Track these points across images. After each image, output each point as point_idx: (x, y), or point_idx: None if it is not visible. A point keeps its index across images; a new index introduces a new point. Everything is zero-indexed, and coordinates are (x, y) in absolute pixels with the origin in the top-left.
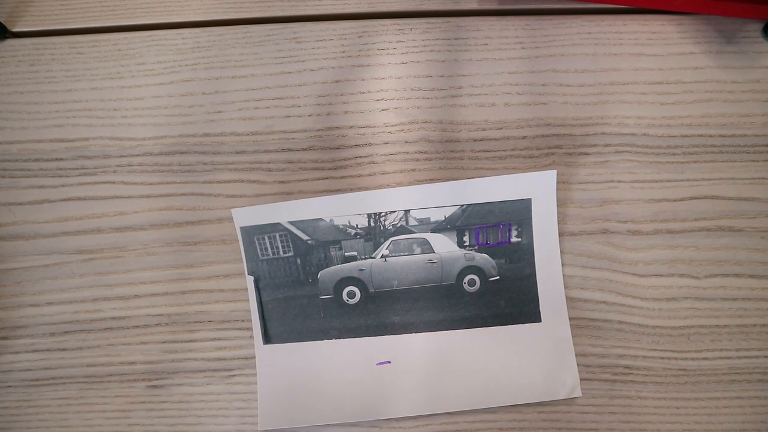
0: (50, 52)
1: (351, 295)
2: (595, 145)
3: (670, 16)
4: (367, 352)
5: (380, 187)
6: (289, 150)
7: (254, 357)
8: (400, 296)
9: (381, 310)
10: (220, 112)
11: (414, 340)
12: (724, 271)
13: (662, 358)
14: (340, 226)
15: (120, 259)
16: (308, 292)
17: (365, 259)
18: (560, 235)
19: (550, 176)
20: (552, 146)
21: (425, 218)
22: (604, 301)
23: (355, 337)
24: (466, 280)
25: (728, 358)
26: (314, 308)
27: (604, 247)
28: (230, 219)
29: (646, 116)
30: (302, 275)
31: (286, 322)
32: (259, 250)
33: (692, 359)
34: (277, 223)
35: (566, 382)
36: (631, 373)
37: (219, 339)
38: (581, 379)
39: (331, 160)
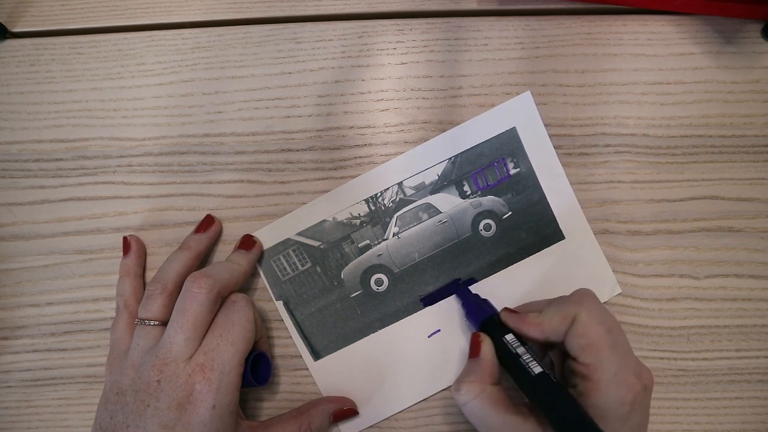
0: (50, 52)
1: (379, 282)
2: (595, 146)
3: (670, 17)
4: (414, 329)
5: None
6: (289, 150)
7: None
8: (425, 266)
9: (413, 286)
10: (219, 112)
11: (455, 301)
12: (723, 272)
13: (662, 358)
14: (344, 221)
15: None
16: (338, 296)
17: (378, 243)
18: None
19: (526, 98)
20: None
21: (419, 184)
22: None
23: (398, 320)
24: (481, 226)
25: (728, 358)
26: (349, 309)
27: (604, 248)
28: (230, 220)
29: (645, 116)
30: (326, 281)
31: (327, 333)
32: (278, 271)
33: (692, 359)
34: (287, 239)
35: (606, 281)
36: None
37: None
38: None
39: (330, 160)
